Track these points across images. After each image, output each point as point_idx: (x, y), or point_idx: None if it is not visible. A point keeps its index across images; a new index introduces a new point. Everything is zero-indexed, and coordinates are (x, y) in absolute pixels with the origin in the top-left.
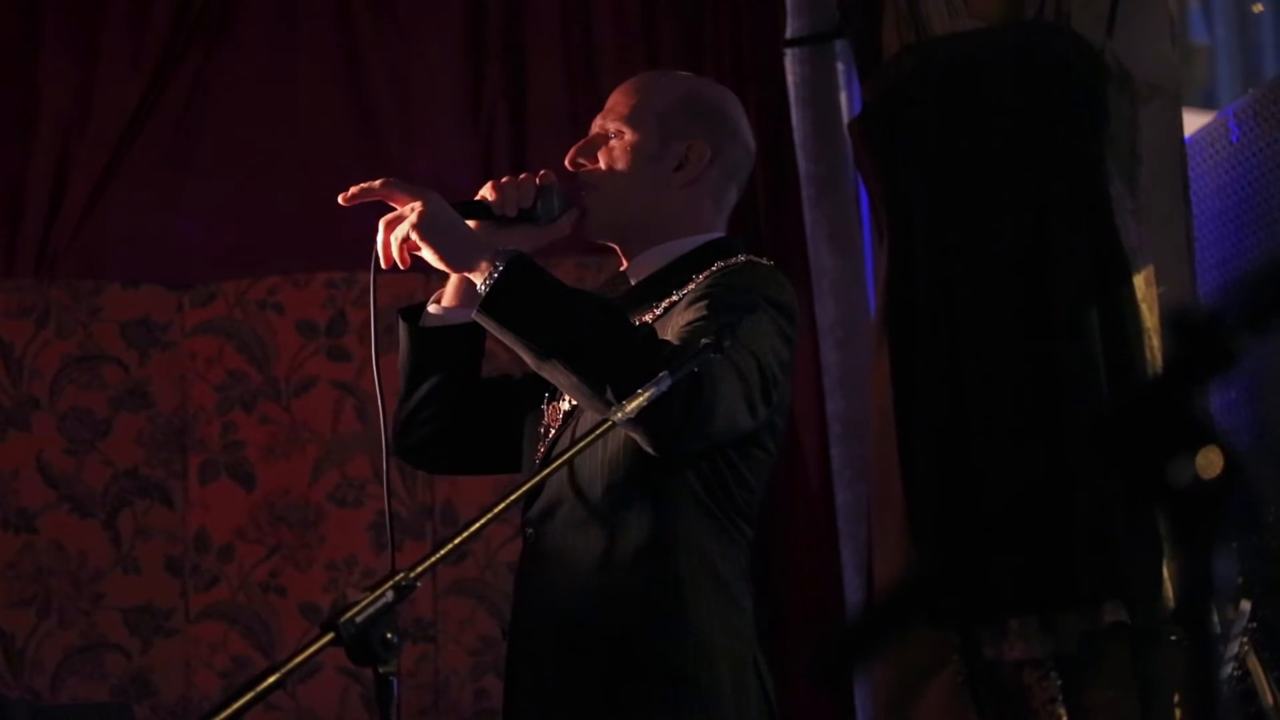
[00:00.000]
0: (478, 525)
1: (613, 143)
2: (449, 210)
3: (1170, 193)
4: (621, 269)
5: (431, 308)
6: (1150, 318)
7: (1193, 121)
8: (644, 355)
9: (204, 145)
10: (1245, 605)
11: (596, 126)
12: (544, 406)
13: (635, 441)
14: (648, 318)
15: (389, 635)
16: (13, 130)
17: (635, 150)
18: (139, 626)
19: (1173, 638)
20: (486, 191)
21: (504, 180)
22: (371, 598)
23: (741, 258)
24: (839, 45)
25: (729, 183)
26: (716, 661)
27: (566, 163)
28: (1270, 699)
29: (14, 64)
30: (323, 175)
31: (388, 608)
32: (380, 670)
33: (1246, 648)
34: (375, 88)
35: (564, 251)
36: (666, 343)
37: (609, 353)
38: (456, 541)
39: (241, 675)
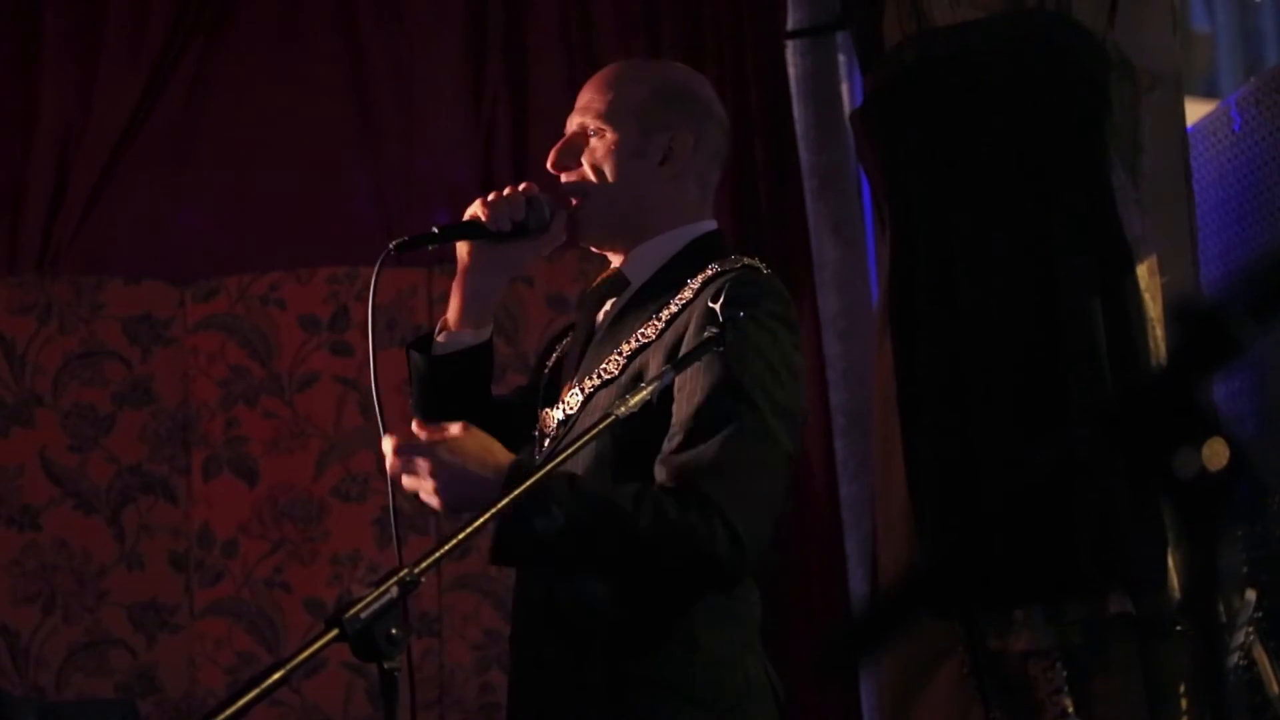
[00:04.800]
0: (481, 520)
1: (594, 143)
2: (458, 477)
3: (1173, 182)
4: (614, 266)
5: (440, 337)
6: (1154, 308)
7: (1194, 110)
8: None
9: (205, 141)
10: (1251, 594)
11: (574, 125)
12: (537, 411)
13: (620, 450)
14: (649, 330)
15: (393, 631)
16: (14, 127)
17: (620, 149)
18: (143, 623)
19: (1178, 628)
20: (477, 210)
21: (491, 197)
22: (376, 593)
23: (738, 262)
24: (840, 37)
25: (712, 165)
26: (723, 676)
27: (549, 165)
28: (1276, 688)
29: (15, 61)
30: (324, 170)
31: (392, 603)
32: (385, 665)
33: (1252, 637)
34: (376, 82)
35: (563, 246)
36: (668, 514)
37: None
38: (461, 537)
39: (246, 671)
